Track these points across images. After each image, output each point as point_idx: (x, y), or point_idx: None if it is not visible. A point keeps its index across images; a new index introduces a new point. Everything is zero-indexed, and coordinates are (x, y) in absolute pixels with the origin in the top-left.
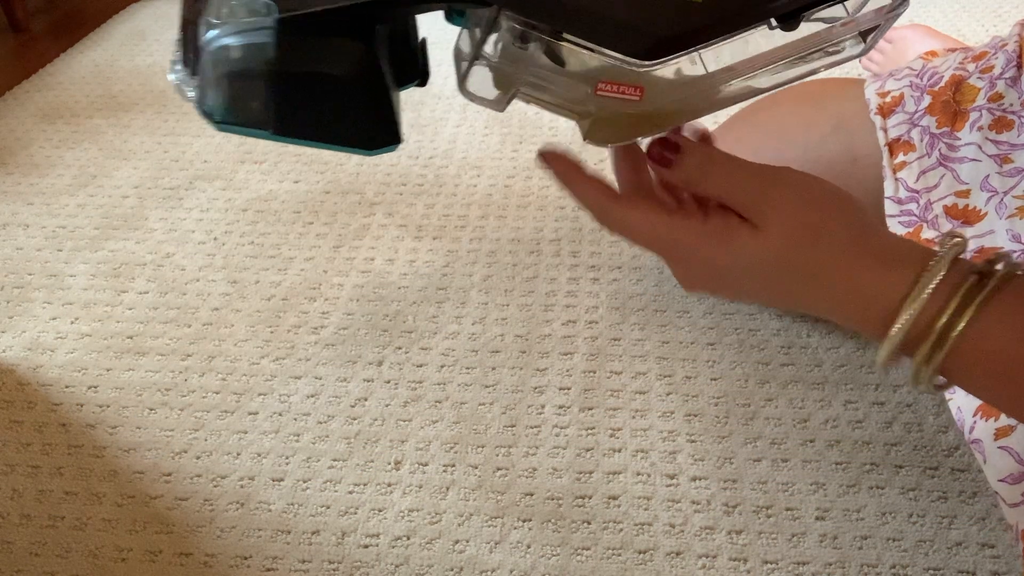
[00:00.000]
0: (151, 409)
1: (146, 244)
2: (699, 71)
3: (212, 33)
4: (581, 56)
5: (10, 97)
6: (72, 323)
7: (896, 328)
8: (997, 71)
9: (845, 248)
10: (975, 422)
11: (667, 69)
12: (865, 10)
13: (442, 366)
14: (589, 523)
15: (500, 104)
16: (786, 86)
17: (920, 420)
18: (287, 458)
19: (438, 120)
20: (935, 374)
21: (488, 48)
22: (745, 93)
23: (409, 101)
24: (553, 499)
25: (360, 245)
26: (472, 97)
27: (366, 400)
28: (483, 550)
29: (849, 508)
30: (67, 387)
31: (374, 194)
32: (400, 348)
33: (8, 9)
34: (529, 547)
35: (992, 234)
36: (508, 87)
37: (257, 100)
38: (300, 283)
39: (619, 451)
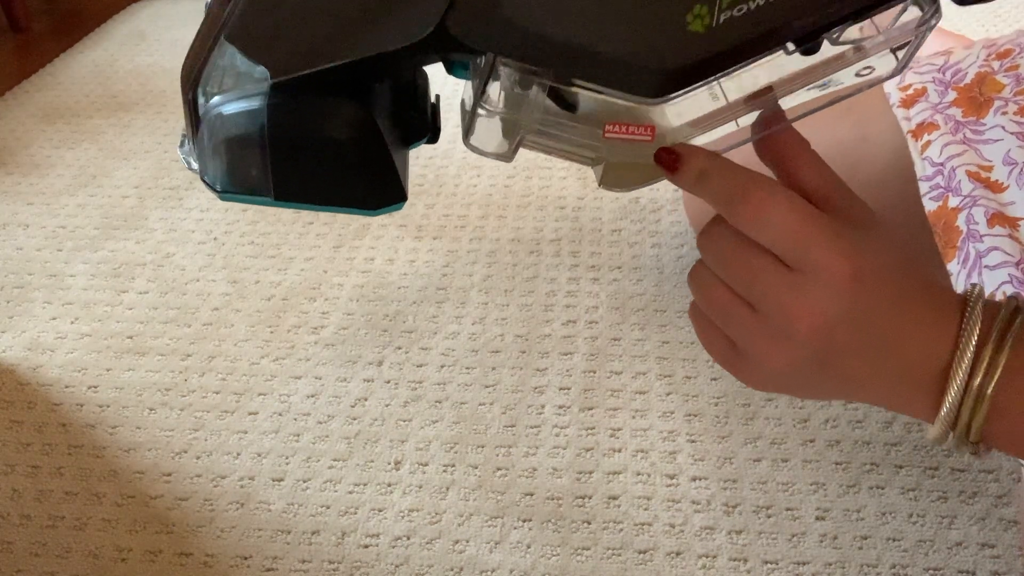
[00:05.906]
0: (151, 409)
1: (146, 244)
2: (718, 104)
3: (211, 103)
4: (586, 97)
5: (10, 97)
6: (72, 323)
7: (951, 397)
8: None
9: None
10: None
11: (680, 104)
12: (895, 26)
13: (442, 366)
14: (589, 523)
15: (507, 155)
16: (817, 111)
17: (920, 420)
18: (287, 458)
19: None
20: (978, 438)
21: (492, 96)
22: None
23: None
24: (553, 499)
25: (360, 245)
26: (477, 150)
27: (366, 400)
28: (483, 550)
29: (849, 508)
30: (67, 387)
31: None
32: (400, 348)
33: (8, 9)
34: (529, 547)
35: (1013, 204)
36: (513, 135)
37: (255, 167)
38: (300, 283)
39: (619, 451)
